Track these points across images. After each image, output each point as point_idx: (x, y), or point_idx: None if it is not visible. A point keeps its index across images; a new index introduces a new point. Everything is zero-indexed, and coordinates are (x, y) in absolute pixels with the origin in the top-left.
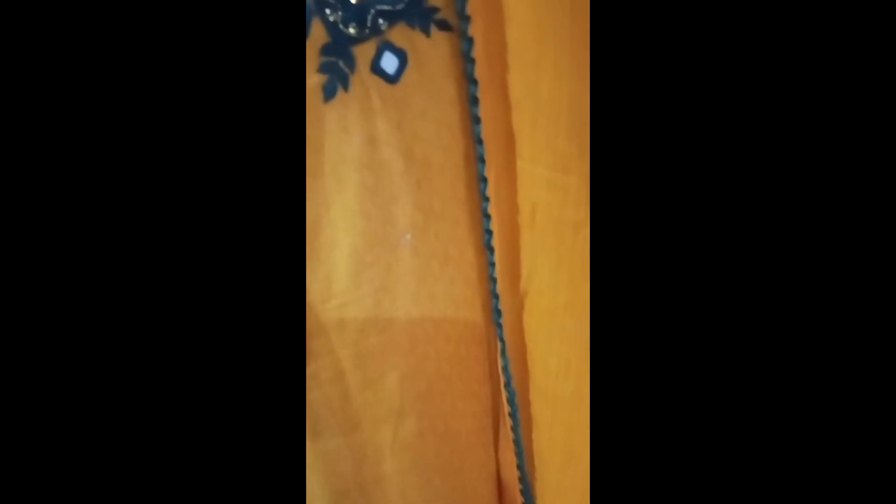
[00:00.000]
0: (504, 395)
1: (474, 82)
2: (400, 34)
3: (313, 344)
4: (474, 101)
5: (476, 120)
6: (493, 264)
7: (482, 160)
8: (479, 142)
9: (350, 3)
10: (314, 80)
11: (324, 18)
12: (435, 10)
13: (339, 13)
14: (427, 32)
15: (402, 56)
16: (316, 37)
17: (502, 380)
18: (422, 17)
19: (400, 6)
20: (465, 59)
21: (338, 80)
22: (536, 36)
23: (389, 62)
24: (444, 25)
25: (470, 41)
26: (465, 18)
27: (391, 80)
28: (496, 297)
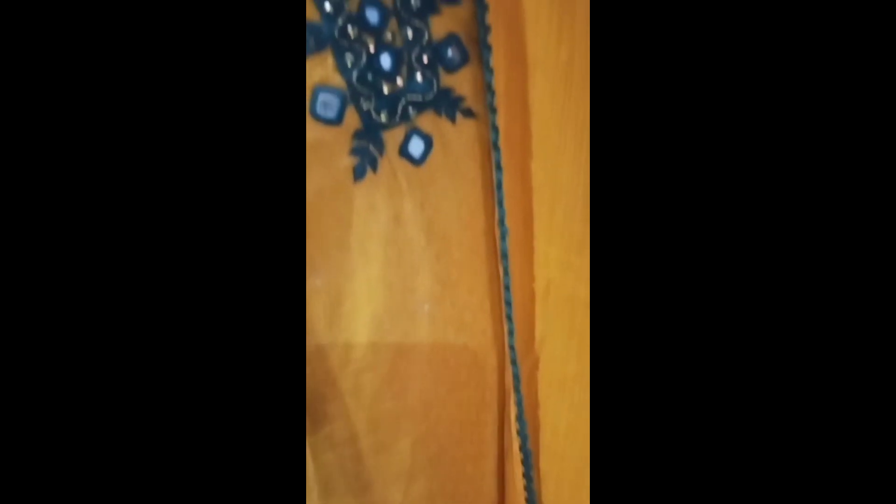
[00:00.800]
0: (519, 456)
1: (499, 169)
2: (427, 120)
3: (329, 406)
4: (499, 185)
5: (500, 202)
6: (511, 332)
7: (504, 238)
8: (502, 222)
9: (383, 93)
10: (346, 162)
11: (358, 106)
12: (461, 99)
13: (373, 102)
14: (453, 119)
15: (428, 140)
16: (349, 123)
17: (517, 442)
18: (448, 106)
19: (429, 96)
20: (493, 148)
21: (368, 163)
22: (558, 128)
23: (416, 146)
24: (468, 113)
25: (496, 131)
26: (493, 110)
27: (417, 162)
28: (515, 364)
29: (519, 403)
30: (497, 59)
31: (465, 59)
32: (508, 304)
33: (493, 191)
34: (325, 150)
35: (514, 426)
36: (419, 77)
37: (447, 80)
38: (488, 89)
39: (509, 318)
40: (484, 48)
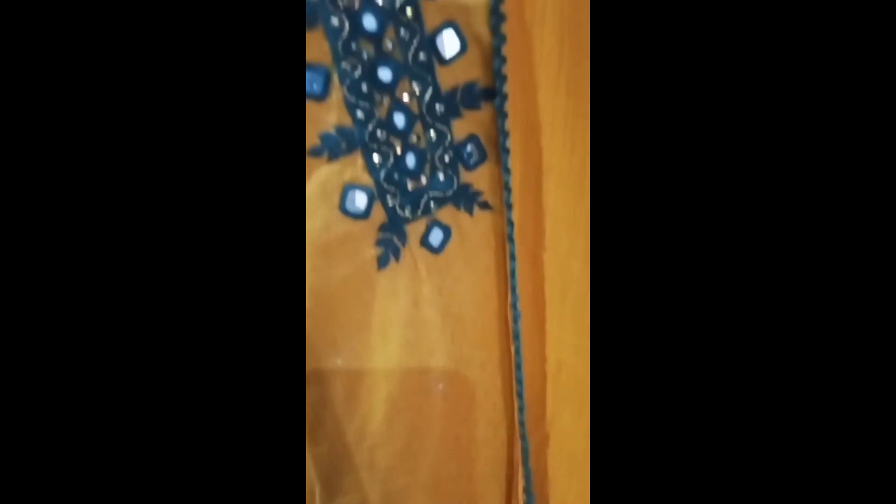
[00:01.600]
0: None
1: (513, 259)
2: (447, 213)
3: (344, 480)
4: (513, 273)
5: (513, 289)
6: (522, 409)
7: (517, 320)
8: (515, 306)
9: (408, 190)
10: (371, 252)
11: (384, 202)
12: (479, 193)
13: (398, 199)
14: (470, 212)
15: (447, 231)
16: (376, 217)
17: None
18: (467, 200)
19: (450, 192)
20: (508, 240)
21: (391, 253)
22: (570, 226)
23: (436, 237)
24: (484, 206)
25: (512, 225)
26: (509, 206)
27: (436, 251)
28: (524, 438)
29: (527, 476)
30: (514, 162)
31: (483, 158)
32: (520, 382)
33: (507, 277)
34: (353, 241)
35: (521, 498)
36: (441, 175)
37: (466, 176)
38: (505, 188)
39: (520, 395)
40: (503, 151)
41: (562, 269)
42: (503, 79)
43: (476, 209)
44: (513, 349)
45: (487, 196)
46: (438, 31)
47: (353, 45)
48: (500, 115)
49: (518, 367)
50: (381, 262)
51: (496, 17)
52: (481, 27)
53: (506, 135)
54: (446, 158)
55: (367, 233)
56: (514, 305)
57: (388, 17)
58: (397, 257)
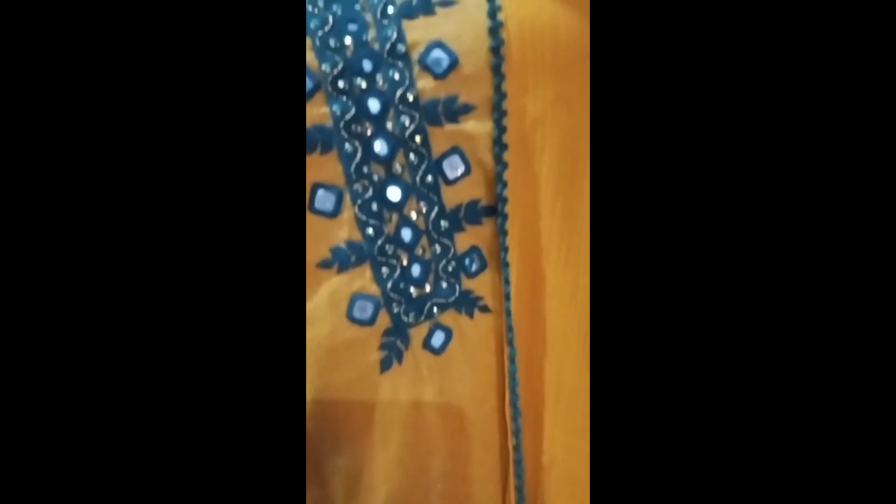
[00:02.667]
0: None
1: (513, 362)
2: (448, 317)
3: None
4: (512, 375)
5: (513, 389)
6: (521, 501)
7: (516, 418)
8: (514, 405)
9: (412, 297)
10: (374, 356)
11: (389, 310)
12: (479, 298)
13: (403, 306)
14: (471, 316)
15: (448, 333)
16: (380, 324)
17: None
18: (468, 305)
19: (452, 299)
20: (508, 344)
21: (394, 356)
22: (564, 334)
23: (438, 339)
24: (485, 309)
25: (511, 330)
26: (509, 313)
27: (437, 352)
28: None
29: None
30: (514, 275)
31: (484, 266)
32: (520, 476)
33: (506, 376)
34: (358, 347)
35: None
36: (444, 283)
37: (468, 283)
38: (506, 297)
39: (520, 489)
40: (503, 265)
41: (557, 373)
42: (504, 201)
43: (476, 312)
44: (511, 445)
45: (488, 300)
46: (445, 155)
47: (365, 169)
48: (502, 232)
49: (518, 462)
50: (385, 366)
51: (499, 146)
52: (485, 153)
53: (506, 250)
54: (450, 268)
55: (371, 338)
56: (513, 404)
57: (399, 143)
58: (400, 360)
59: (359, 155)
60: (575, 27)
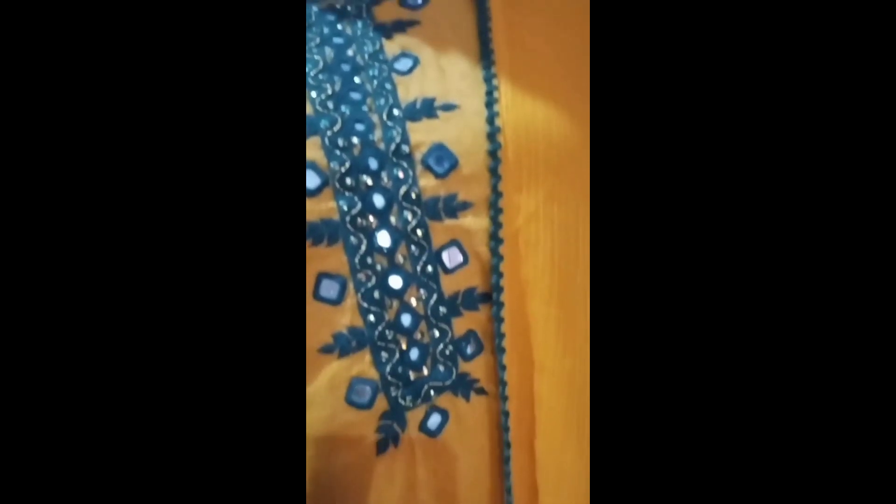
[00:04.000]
0: None
1: (508, 446)
2: (445, 399)
3: None
4: (507, 460)
5: (507, 475)
6: None
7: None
8: (509, 491)
9: (410, 381)
10: (371, 439)
11: (387, 393)
12: (476, 381)
13: (400, 390)
14: (467, 398)
15: (444, 415)
16: (378, 407)
17: None
18: (464, 388)
19: (448, 382)
20: (503, 429)
21: (391, 439)
22: (563, 420)
23: (434, 421)
24: (480, 391)
25: (507, 415)
26: (505, 398)
27: (433, 435)
28: None
29: None
30: (509, 359)
31: (480, 350)
32: None
33: (500, 460)
34: (355, 430)
35: None
36: (441, 367)
37: (464, 366)
38: (501, 382)
39: None
40: (498, 350)
41: (555, 459)
42: (500, 290)
43: (472, 395)
44: None
45: (483, 383)
46: (444, 247)
47: (369, 259)
48: (497, 319)
49: None
50: (380, 449)
51: (495, 241)
52: (481, 246)
53: (501, 336)
54: (447, 352)
55: (368, 422)
56: (508, 491)
57: (402, 236)
58: (396, 443)
59: (363, 247)
60: (567, 128)
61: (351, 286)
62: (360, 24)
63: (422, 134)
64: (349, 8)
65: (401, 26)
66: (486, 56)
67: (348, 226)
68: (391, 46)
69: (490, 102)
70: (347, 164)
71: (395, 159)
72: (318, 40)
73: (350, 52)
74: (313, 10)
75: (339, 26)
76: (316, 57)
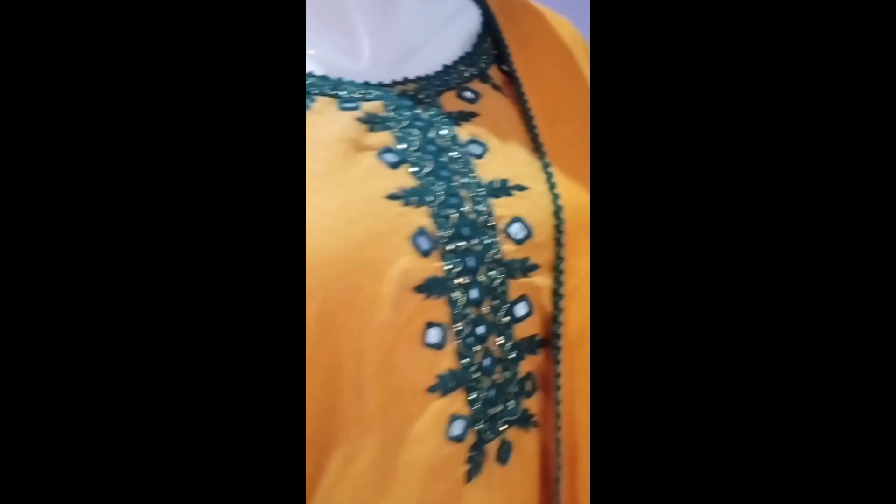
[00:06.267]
0: None
1: (559, 468)
2: (512, 432)
3: None
4: (558, 480)
5: (557, 492)
6: None
7: None
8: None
9: (489, 416)
10: (462, 469)
11: (475, 429)
12: (533, 415)
13: (483, 425)
14: (527, 431)
15: (510, 446)
16: (468, 440)
17: None
18: (525, 421)
19: (515, 417)
20: (556, 455)
21: (476, 469)
22: None
23: (504, 452)
24: (535, 425)
25: (559, 442)
26: (558, 429)
27: (503, 464)
28: None
29: None
30: (564, 395)
31: (535, 389)
32: None
33: (551, 482)
34: (452, 461)
35: None
36: (511, 404)
37: (525, 403)
38: (556, 415)
39: None
40: (555, 389)
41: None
42: (559, 338)
43: (531, 428)
44: None
45: (538, 417)
46: (517, 301)
47: (465, 311)
48: (555, 362)
49: None
50: (469, 477)
51: (557, 296)
52: (545, 301)
53: (558, 376)
54: (514, 390)
55: (461, 453)
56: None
57: (487, 291)
58: (479, 472)
59: (461, 301)
60: None
61: (452, 334)
62: (433, 110)
63: (503, 209)
64: (420, 95)
65: (466, 116)
66: (537, 148)
67: (451, 282)
68: (462, 133)
69: (552, 186)
70: (450, 232)
71: (483, 229)
72: (405, 123)
73: (431, 135)
74: (392, 93)
75: (417, 111)
76: (410, 137)
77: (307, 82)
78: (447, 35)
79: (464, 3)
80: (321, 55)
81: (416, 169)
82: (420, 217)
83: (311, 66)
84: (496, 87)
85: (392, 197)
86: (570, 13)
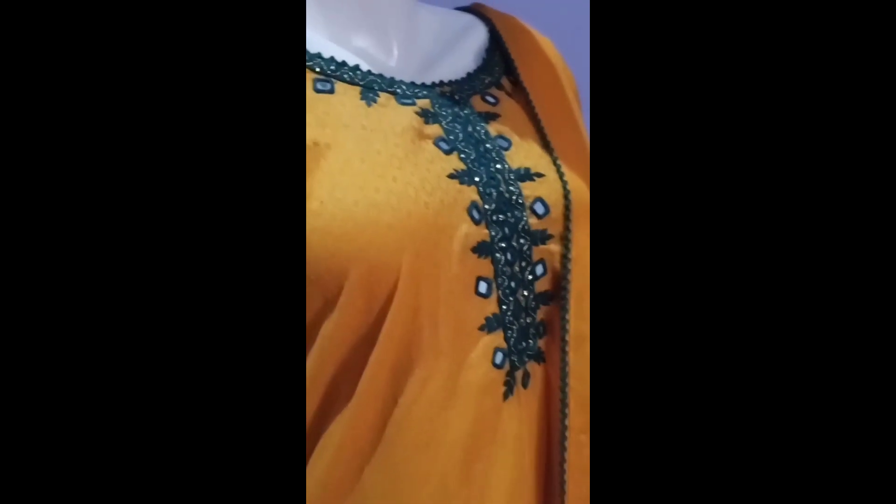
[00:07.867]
0: None
1: (565, 393)
2: (530, 365)
3: None
4: (564, 401)
5: (564, 406)
6: None
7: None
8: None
9: (518, 350)
10: (501, 390)
11: (510, 359)
12: (543, 353)
13: (515, 356)
14: (539, 363)
15: (529, 375)
16: (505, 368)
17: None
18: (539, 357)
19: (533, 352)
20: (563, 383)
21: (509, 390)
22: None
23: (526, 379)
24: (543, 360)
25: (566, 373)
26: (566, 364)
27: (525, 388)
28: None
29: None
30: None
31: (545, 333)
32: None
33: (557, 404)
34: (495, 383)
35: None
36: (531, 342)
37: (539, 343)
38: (563, 353)
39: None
40: (563, 332)
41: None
42: (568, 292)
43: (541, 362)
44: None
45: (546, 355)
46: (537, 262)
47: (504, 269)
48: (564, 311)
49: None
50: (506, 396)
51: (566, 259)
52: (556, 263)
53: (566, 322)
54: (533, 331)
55: (500, 377)
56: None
57: (518, 255)
58: (512, 393)
59: (502, 260)
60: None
61: (495, 286)
62: (467, 109)
63: (528, 190)
64: (457, 97)
65: (492, 116)
66: (546, 146)
67: (495, 246)
68: (491, 129)
69: (561, 175)
70: (493, 206)
71: (515, 206)
72: (450, 118)
73: (470, 129)
74: (436, 92)
75: (456, 109)
76: (455, 130)
77: (367, 79)
78: (462, 48)
79: (472, 21)
80: (363, 49)
81: (464, 156)
82: (471, 193)
83: (357, 60)
84: (509, 95)
85: (452, 176)
86: (570, 13)
